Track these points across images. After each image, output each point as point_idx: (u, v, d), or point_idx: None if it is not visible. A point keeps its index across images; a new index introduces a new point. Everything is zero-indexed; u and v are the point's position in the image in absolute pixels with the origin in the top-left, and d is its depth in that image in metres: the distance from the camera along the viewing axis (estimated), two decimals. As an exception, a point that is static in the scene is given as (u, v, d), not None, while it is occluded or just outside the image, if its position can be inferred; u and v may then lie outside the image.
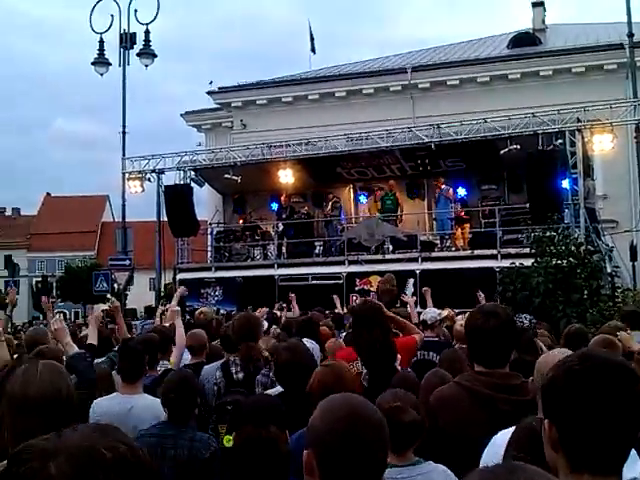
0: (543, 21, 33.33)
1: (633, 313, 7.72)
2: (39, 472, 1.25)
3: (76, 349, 5.72)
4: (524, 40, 29.91)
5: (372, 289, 17.20)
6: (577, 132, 16.90)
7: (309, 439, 1.94)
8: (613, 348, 4.91)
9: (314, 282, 18.23)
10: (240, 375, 5.42)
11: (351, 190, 22.17)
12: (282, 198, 21.50)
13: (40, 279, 56.25)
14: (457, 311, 9.87)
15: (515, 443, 2.61)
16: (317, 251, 20.32)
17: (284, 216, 21.21)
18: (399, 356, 4.94)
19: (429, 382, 4.35)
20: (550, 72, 26.81)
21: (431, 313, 7.93)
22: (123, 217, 23.25)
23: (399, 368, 4.91)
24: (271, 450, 2.89)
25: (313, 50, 32.64)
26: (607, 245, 16.99)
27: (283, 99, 30.12)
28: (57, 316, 6.53)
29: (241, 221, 22.29)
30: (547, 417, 1.86)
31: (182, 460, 4.01)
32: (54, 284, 49.72)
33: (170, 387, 4.33)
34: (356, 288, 18.23)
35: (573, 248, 12.74)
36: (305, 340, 6.29)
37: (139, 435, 4.06)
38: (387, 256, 18.68)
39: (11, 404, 2.50)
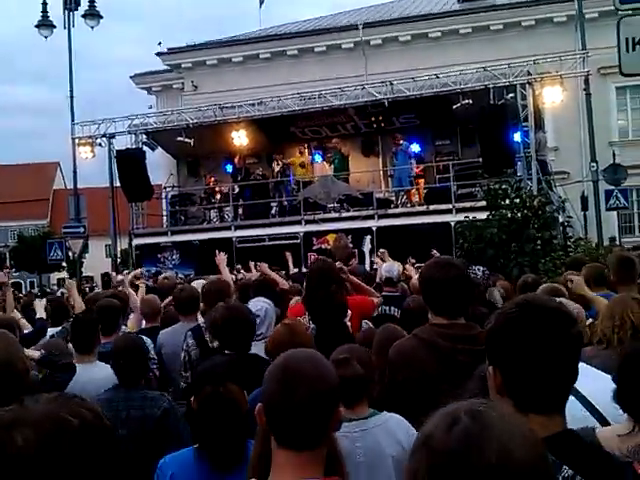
0: (492, -26, 33.22)
1: (575, 261, 7.88)
2: (5, 443, 1.26)
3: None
4: (473, -6, 29.83)
5: (330, 247, 17.28)
6: (528, 85, 17.03)
7: (261, 394, 2.00)
8: (558, 294, 5.05)
9: (271, 243, 18.21)
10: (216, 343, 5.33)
11: (306, 149, 22.07)
12: (236, 160, 21.30)
13: (-7, 249, 55.21)
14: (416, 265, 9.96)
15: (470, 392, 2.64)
16: (273, 212, 20.27)
17: (239, 178, 21.05)
18: (349, 312, 4.99)
19: (381, 338, 4.40)
20: (500, 26, 26.90)
21: (395, 269, 7.96)
22: (75, 184, 22.89)
23: (348, 324, 4.97)
24: (231, 408, 2.91)
25: (260, 2, 31.89)
26: (559, 196, 17.25)
27: (234, 59, 29.71)
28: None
29: (212, 179, 21.85)
30: (491, 363, 1.91)
31: (135, 420, 4.04)
32: (7, 254, 48.81)
33: (118, 352, 4.38)
34: (314, 247, 18.26)
35: (526, 200, 12.91)
36: (260, 299, 6.29)
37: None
38: (343, 214, 18.71)
39: None
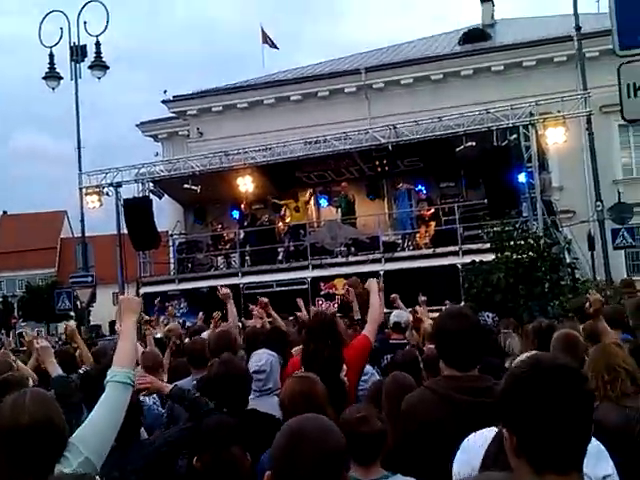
0: (492, 16, 33.73)
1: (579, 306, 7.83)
2: None
3: (59, 370, 5.63)
4: (474, 36, 30.27)
5: (337, 292, 17.27)
6: (530, 126, 17.15)
7: (268, 460, 2.04)
8: (575, 344, 5.01)
9: (279, 289, 18.20)
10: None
11: (311, 194, 22.18)
12: (242, 206, 21.40)
13: (0, 299, 55.29)
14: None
15: (491, 456, 2.62)
16: (280, 257, 20.30)
17: (246, 224, 21.12)
18: (345, 367, 4.90)
19: (389, 389, 4.36)
20: (502, 67, 27.17)
21: (405, 316, 7.93)
22: (83, 233, 22.98)
23: (345, 379, 4.89)
24: (232, 471, 2.92)
25: (275, 46, 32.43)
26: (565, 237, 17.25)
27: (238, 105, 30.04)
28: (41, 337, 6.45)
29: (219, 226, 21.87)
30: (505, 426, 1.90)
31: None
32: (15, 304, 48.86)
33: None
34: (321, 292, 18.27)
35: (532, 242, 12.89)
36: (265, 351, 6.07)
37: None
38: (350, 258, 18.74)
39: (1, 436, 2.46)
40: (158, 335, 8.91)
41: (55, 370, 5.58)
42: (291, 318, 11.06)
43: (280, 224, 20.75)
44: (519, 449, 1.85)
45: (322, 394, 3.77)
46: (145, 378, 4.77)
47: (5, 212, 76.48)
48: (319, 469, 1.89)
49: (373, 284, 5.92)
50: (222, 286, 7.96)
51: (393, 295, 9.58)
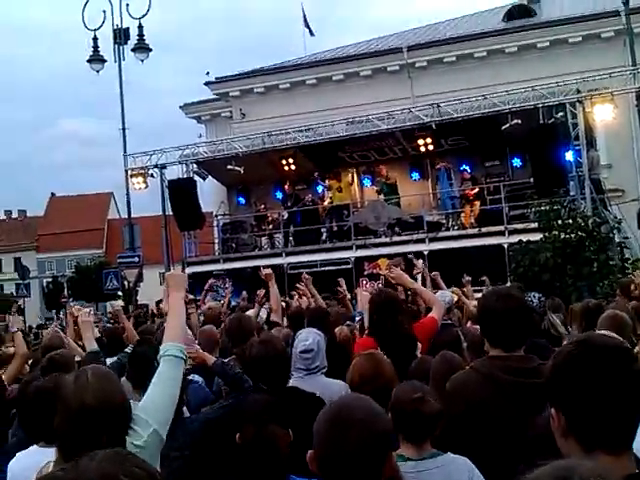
0: (537, -8, 32.98)
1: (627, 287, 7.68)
2: None
3: (95, 346, 5.71)
4: (519, 12, 29.60)
5: (381, 272, 17.20)
6: (578, 103, 16.80)
7: (313, 439, 2.00)
8: (622, 324, 4.92)
9: (323, 268, 18.21)
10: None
11: (355, 174, 22.09)
12: (286, 186, 21.46)
13: (51, 280, 56.41)
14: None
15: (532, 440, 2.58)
16: (324, 237, 20.31)
17: (289, 204, 21.18)
18: (419, 344, 4.91)
19: (437, 368, 4.32)
20: (547, 43, 26.58)
21: (449, 296, 7.87)
22: (129, 214, 23.29)
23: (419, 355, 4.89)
24: (271, 448, 2.92)
25: (311, 33, 32.28)
26: (615, 216, 16.90)
27: (280, 86, 29.97)
28: (87, 310, 6.47)
29: (263, 206, 21.83)
30: (553, 405, 1.88)
31: None
32: (65, 284, 49.75)
33: None
34: (365, 272, 18.24)
35: (580, 221, 12.67)
36: (312, 330, 6.01)
37: None
38: (394, 238, 18.66)
39: (67, 415, 2.50)
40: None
41: (90, 345, 5.68)
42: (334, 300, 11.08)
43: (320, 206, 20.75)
44: (568, 429, 1.82)
45: (389, 372, 3.82)
46: (190, 347, 4.81)
47: (53, 194, 77.95)
48: (364, 451, 1.89)
49: (401, 277, 5.87)
50: (264, 267, 8.04)
51: (434, 273, 9.53)
